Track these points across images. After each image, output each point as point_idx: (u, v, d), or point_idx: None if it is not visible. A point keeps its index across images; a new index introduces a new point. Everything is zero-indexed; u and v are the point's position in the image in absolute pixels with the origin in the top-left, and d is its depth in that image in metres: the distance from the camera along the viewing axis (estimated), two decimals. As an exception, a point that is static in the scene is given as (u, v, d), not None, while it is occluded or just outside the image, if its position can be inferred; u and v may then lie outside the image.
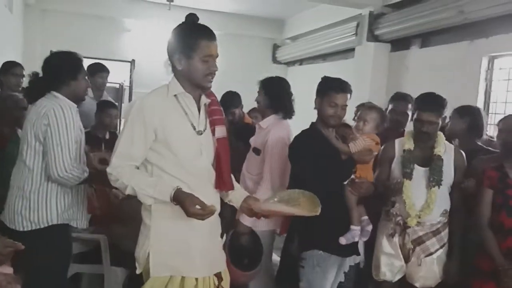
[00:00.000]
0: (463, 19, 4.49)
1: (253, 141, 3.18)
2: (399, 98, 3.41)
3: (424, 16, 4.97)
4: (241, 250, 2.92)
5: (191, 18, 2.12)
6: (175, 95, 2.10)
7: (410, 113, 3.31)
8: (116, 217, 3.24)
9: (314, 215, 2.12)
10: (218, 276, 2.21)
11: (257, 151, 3.08)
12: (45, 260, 2.43)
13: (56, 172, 2.37)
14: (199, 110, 2.15)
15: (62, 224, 2.48)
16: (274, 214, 2.28)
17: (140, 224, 2.15)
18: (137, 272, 2.14)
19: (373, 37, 5.91)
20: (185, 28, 2.10)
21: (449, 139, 2.98)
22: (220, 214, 2.25)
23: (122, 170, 2.03)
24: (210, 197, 2.09)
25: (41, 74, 2.56)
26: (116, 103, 5.46)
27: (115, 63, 8.83)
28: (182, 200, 1.96)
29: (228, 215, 2.86)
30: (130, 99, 8.40)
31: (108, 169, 2.06)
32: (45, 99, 2.46)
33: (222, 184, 2.19)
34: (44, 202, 2.43)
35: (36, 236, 2.42)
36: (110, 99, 4.58)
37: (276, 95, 3.14)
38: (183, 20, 2.16)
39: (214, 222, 2.21)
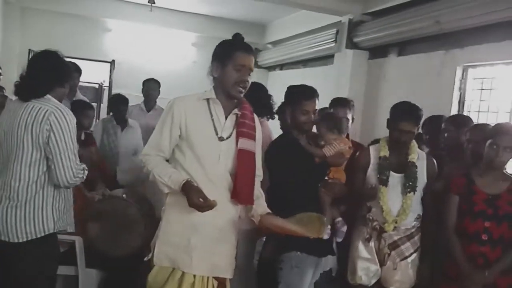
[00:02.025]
0: (439, 29, 4.58)
1: None
2: (338, 104, 3.43)
3: (402, 25, 5.05)
4: None
5: (237, 36, 2.29)
6: (206, 99, 2.23)
7: (350, 117, 3.36)
8: (92, 218, 3.22)
9: (317, 237, 2.23)
10: (221, 281, 2.28)
11: None
12: (42, 268, 2.39)
13: (66, 179, 2.32)
14: (227, 118, 2.24)
15: (56, 232, 2.42)
16: (282, 230, 2.30)
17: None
18: (145, 259, 2.29)
19: (352, 44, 5.97)
20: (227, 41, 2.28)
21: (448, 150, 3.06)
22: None
23: (149, 158, 2.23)
24: (225, 204, 2.19)
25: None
26: (95, 103, 5.46)
27: (95, 63, 8.77)
28: (188, 191, 2.09)
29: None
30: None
31: (140, 156, 2.28)
32: (36, 102, 2.33)
33: (236, 195, 2.24)
34: (40, 211, 2.33)
35: (33, 246, 2.33)
36: (82, 97, 4.55)
37: (252, 100, 3.20)
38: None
39: (224, 228, 2.27)
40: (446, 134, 3.22)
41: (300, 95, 2.70)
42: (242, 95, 2.24)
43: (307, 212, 2.29)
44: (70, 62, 4.55)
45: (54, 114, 2.29)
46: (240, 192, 2.23)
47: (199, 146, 2.19)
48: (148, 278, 2.24)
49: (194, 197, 2.06)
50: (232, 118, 2.26)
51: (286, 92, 2.81)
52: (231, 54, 2.18)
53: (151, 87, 5.04)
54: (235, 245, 2.36)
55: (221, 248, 2.27)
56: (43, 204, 2.34)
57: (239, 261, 2.99)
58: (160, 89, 5.10)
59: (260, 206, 2.35)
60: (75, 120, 2.40)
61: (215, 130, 2.21)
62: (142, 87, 5.10)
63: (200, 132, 2.20)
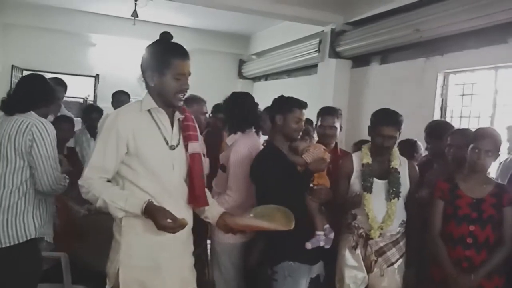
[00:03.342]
0: (419, 37, 4.66)
1: (220, 157, 3.18)
2: (326, 113, 3.45)
3: (383, 34, 5.13)
4: None
5: (166, 36, 2.14)
6: (148, 110, 2.12)
7: (338, 126, 3.40)
8: (78, 234, 3.19)
9: (288, 229, 2.22)
10: None
11: (223, 168, 3.09)
12: (24, 273, 2.46)
13: (49, 184, 2.48)
14: (172, 125, 2.17)
15: (38, 238, 2.52)
16: (250, 228, 2.30)
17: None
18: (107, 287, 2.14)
19: (335, 54, 6.05)
20: (159, 46, 2.12)
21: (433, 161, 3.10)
22: (193, 230, 2.26)
23: (93, 182, 2.03)
24: (182, 212, 2.10)
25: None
26: (79, 117, 5.40)
27: (79, 77, 8.74)
28: (154, 213, 1.97)
29: (202, 229, 2.85)
30: (94, 114, 8.29)
31: (80, 181, 2.04)
32: (20, 116, 2.50)
33: (194, 200, 2.20)
34: (21, 217, 2.47)
35: (15, 251, 2.43)
36: (67, 112, 4.52)
37: (235, 112, 3.16)
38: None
39: (186, 241, 2.22)
40: (427, 144, 3.28)
41: (293, 104, 2.74)
42: (182, 103, 2.16)
43: (265, 205, 2.31)
44: (55, 77, 4.56)
45: (36, 126, 2.47)
46: (198, 196, 2.19)
47: (153, 160, 2.07)
48: None
49: (162, 219, 1.95)
50: (176, 124, 2.20)
51: (277, 100, 2.82)
52: (168, 63, 2.05)
53: (120, 99, 4.92)
54: (192, 253, 2.31)
55: (185, 261, 2.24)
56: (24, 210, 2.48)
57: (226, 275, 2.98)
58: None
59: (214, 206, 2.33)
60: (55, 131, 2.58)
61: (165, 140, 2.13)
62: (111, 100, 5.02)
63: (151, 145, 2.08)
